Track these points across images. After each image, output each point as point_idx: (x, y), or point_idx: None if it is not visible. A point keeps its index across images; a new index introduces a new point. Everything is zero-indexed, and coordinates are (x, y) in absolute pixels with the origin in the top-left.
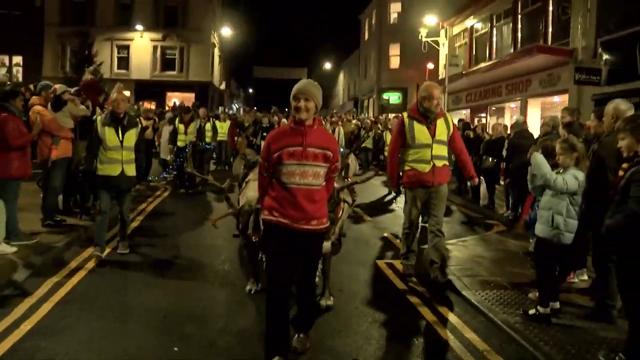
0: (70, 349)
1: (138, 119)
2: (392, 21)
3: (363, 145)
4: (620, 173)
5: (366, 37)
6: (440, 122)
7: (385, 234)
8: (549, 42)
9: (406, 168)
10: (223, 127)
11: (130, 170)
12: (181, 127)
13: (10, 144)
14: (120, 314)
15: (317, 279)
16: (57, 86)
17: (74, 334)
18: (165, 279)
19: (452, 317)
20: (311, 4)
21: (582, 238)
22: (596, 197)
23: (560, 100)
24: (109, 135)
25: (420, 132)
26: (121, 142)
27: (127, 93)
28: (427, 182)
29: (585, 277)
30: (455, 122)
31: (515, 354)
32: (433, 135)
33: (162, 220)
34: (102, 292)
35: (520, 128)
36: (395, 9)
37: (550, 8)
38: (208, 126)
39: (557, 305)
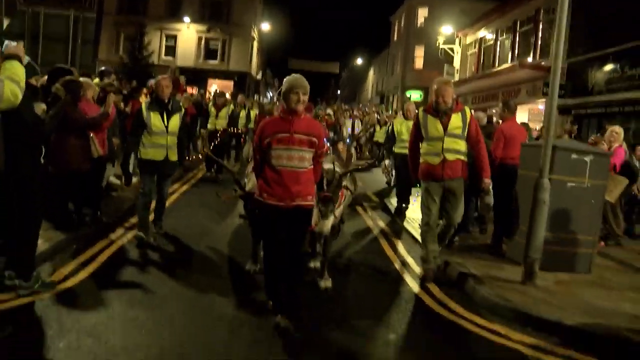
0: None
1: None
2: (419, 25)
3: (375, 139)
4: None
5: (395, 37)
6: (455, 116)
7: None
8: (537, 58)
9: (420, 161)
10: (251, 116)
11: (174, 155)
12: (213, 110)
13: None
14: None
15: (317, 262)
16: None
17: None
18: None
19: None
20: (347, 3)
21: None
22: None
23: (543, 108)
24: (154, 120)
25: (433, 125)
26: (166, 127)
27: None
28: (437, 176)
29: None
30: None
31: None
32: (445, 128)
33: (190, 203)
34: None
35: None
36: (422, 13)
37: (540, 29)
38: (243, 113)
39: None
